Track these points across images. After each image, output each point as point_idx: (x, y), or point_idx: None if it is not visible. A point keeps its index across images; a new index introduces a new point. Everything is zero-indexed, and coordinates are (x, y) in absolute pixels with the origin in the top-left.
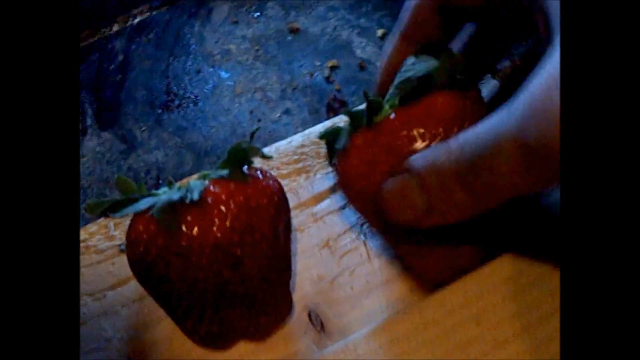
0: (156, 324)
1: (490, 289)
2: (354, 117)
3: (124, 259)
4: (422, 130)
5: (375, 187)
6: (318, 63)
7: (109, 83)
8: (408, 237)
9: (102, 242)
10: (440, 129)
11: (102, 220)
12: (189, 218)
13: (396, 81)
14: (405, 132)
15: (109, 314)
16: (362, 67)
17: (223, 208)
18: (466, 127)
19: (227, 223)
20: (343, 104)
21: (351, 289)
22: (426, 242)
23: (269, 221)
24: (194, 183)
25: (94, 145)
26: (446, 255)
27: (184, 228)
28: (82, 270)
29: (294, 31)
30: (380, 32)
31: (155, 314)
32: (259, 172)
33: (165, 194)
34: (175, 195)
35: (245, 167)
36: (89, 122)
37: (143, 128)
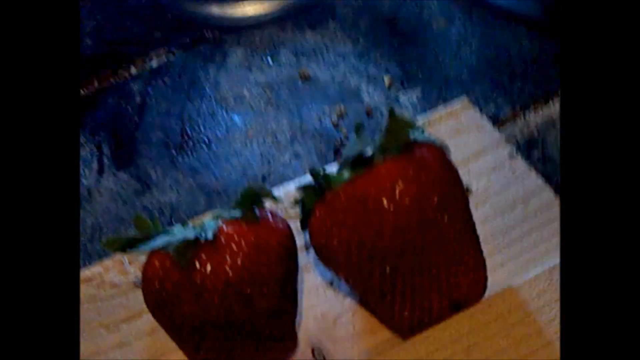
0: (167, 356)
1: (481, 326)
2: (307, 191)
3: (137, 293)
4: (368, 204)
5: (334, 254)
6: (327, 108)
7: (126, 124)
8: (378, 290)
9: (117, 276)
10: (383, 198)
11: (117, 256)
12: (203, 256)
13: (342, 158)
14: (351, 206)
15: (123, 346)
16: (368, 114)
17: (235, 247)
18: (408, 191)
19: (239, 261)
20: None
21: (353, 327)
22: (395, 294)
23: (278, 261)
24: (208, 223)
25: (110, 184)
26: (415, 304)
27: (197, 265)
28: (98, 303)
29: (304, 77)
30: (387, 80)
31: (167, 346)
32: (269, 213)
33: (180, 233)
34: (190, 233)
35: (256, 209)
36: (105, 161)
37: (158, 169)
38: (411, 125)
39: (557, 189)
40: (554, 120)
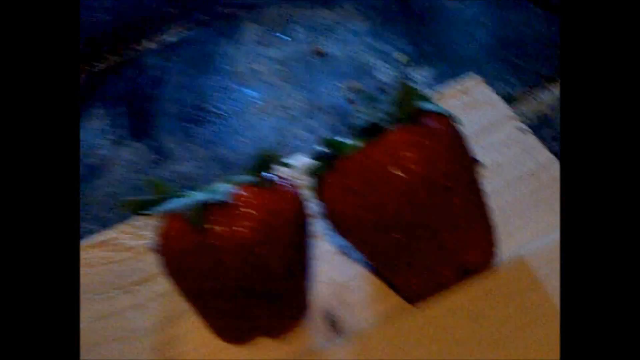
0: (180, 318)
1: (489, 293)
2: (319, 159)
3: (152, 257)
4: (378, 171)
5: (345, 220)
6: (340, 84)
7: (143, 96)
8: (388, 257)
9: (132, 240)
10: (393, 164)
11: (132, 221)
12: (217, 218)
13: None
14: (362, 173)
15: (136, 307)
16: (382, 90)
17: (248, 210)
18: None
19: (253, 224)
20: None
21: (364, 293)
22: (405, 261)
23: (290, 224)
24: (223, 187)
25: (126, 154)
26: (425, 271)
27: (212, 227)
28: (113, 265)
29: (319, 54)
30: (402, 57)
31: (180, 308)
32: (281, 179)
33: (195, 196)
34: (205, 196)
35: (269, 174)
36: (122, 132)
37: (174, 141)
38: (421, 95)
39: None
40: None
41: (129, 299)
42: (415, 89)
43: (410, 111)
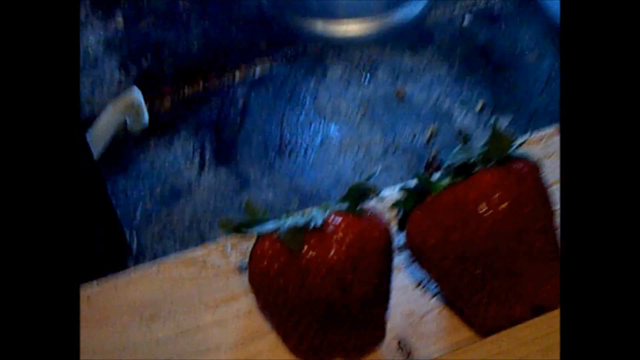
0: (261, 337)
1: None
2: (408, 193)
3: (237, 277)
4: (466, 208)
5: (429, 253)
6: (420, 127)
7: (229, 125)
8: (465, 291)
9: (219, 259)
10: (481, 203)
11: (220, 241)
12: (311, 241)
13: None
14: (450, 209)
15: (219, 324)
16: (460, 134)
17: (340, 235)
18: (505, 199)
19: (343, 249)
20: (439, 165)
21: (437, 325)
22: (481, 296)
23: (378, 252)
24: (317, 212)
25: (210, 179)
26: (499, 306)
27: (305, 249)
28: (199, 282)
29: (400, 96)
30: (480, 104)
31: (262, 328)
32: (372, 211)
33: (290, 220)
34: (300, 220)
35: (361, 205)
36: (207, 157)
37: (256, 169)
38: (512, 140)
39: None
40: None
41: (212, 315)
42: (506, 135)
43: (501, 154)
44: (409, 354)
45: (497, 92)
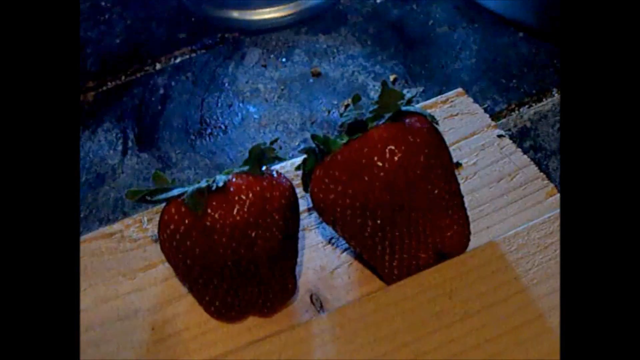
0: (178, 300)
1: (463, 273)
2: (308, 154)
3: (154, 247)
4: (361, 162)
5: (331, 209)
6: (335, 102)
7: (150, 112)
8: (369, 242)
9: (136, 232)
10: (375, 157)
11: (137, 215)
12: (213, 202)
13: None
14: (347, 165)
15: (139, 291)
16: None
17: (242, 195)
18: (398, 151)
19: (245, 208)
20: None
21: (348, 277)
22: (385, 246)
23: (280, 210)
24: (219, 176)
25: (132, 163)
26: (403, 255)
27: (208, 211)
28: (118, 255)
29: (316, 75)
30: (392, 78)
31: (178, 291)
32: (274, 172)
33: (194, 185)
34: (203, 184)
35: (263, 167)
36: (129, 144)
37: (177, 151)
38: (401, 96)
39: (549, 176)
40: (546, 115)
41: (131, 284)
42: (397, 91)
43: (392, 110)
44: (321, 306)
45: (410, 65)
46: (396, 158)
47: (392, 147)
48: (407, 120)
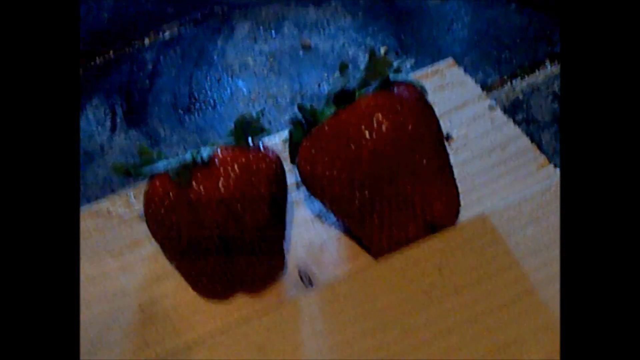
0: (165, 279)
1: (453, 246)
2: (295, 126)
3: (141, 224)
4: (348, 132)
5: (318, 180)
6: (326, 75)
7: (138, 88)
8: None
9: (123, 209)
10: (362, 126)
11: (124, 191)
12: (198, 176)
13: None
14: (334, 136)
15: (126, 270)
16: None
17: (227, 168)
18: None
19: (231, 181)
20: None
21: (337, 253)
22: (373, 218)
23: (267, 183)
24: (204, 148)
25: (121, 141)
26: (392, 227)
27: (194, 184)
28: (104, 233)
29: (306, 48)
30: (383, 50)
31: (166, 270)
32: (260, 144)
33: (178, 158)
34: (187, 157)
35: (250, 140)
36: (118, 120)
37: (166, 127)
38: (389, 63)
39: (540, 147)
40: (538, 87)
41: (118, 262)
42: (386, 59)
43: (381, 79)
44: (310, 282)
45: (401, 37)
46: (384, 128)
47: (380, 117)
48: (396, 89)
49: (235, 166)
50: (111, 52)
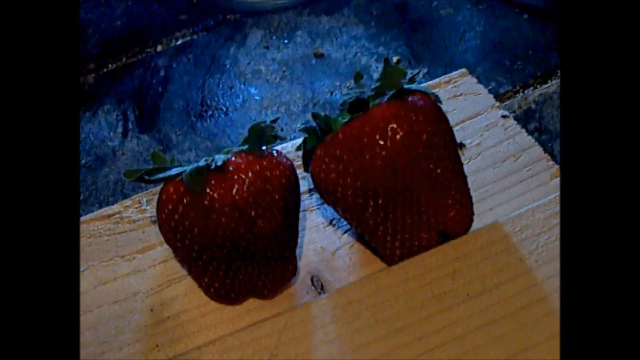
0: (177, 282)
1: (466, 254)
2: (309, 133)
3: (153, 228)
4: (363, 141)
5: (332, 187)
6: (338, 83)
7: (151, 94)
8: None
9: (135, 214)
10: (376, 134)
11: (136, 196)
12: (212, 181)
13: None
14: (348, 144)
15: (137, 273)
16: None
17: (241, 174)
18: (400, 129)
19: (244, 187)
20: None
21: (350, 259)
22: (387, 226)
23: (280, 189)
24: (219, 155)
25: (133, 145)
26: (405, 235)
27: (207, 190)
28: (117, 236)
29: (318, 56)
30: (395, 59)
31: (177, 273)
32: (274, 151)
33: (193, 164)
34: (201, 163)
35: (264, 146)
36: (130, 126)
37: (178, 133)
38: (404, 73)
39: (553, 157)
40: (550, 97)
41: (129, 266)
42: (400, 69)
43: (394, 87)
44: (322, 288)
45: (413, 47)
46: (398, 136)
47: (394, 126)
48: (410, 99)
49: (249, 172)
50: (124, 58)
